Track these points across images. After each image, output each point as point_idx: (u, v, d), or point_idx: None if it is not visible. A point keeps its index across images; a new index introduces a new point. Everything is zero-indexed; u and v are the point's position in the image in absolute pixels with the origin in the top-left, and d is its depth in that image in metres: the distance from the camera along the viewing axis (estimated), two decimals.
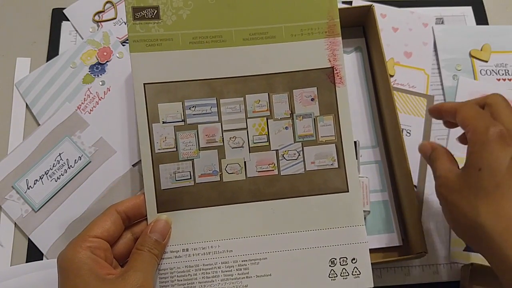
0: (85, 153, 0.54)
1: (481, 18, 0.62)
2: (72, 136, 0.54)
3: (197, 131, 0.41)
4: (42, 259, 0.50)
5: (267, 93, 0.41)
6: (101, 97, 0.57)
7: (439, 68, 0.59)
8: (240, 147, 0.41)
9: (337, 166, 0.41)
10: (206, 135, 0.41)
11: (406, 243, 0.50)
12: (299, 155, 0.41)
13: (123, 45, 0.59)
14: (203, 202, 0.40)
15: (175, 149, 0.40)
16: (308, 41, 0.42)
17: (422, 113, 0.56)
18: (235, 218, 0.40)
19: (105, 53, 0.58)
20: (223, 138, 0.41)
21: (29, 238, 0.51)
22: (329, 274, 0.40)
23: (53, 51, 0.59)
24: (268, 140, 0.41)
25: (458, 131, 0.42)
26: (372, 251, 0.43)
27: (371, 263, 0.41)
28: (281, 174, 0.41)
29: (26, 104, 0.57)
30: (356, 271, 0.40)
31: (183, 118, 0.41)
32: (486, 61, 0.59)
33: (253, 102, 0.41)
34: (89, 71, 0.58)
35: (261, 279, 0.39)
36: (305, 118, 0.41)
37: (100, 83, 0.57)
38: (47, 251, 0.50)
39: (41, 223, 0.51)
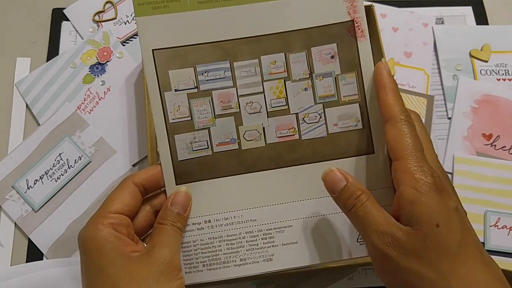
0: (85, 153, 0.54)
1: (481, 18, 0.62)
2: (72, 136, 0.54)
3: (212, 98, 0.39)
4: (42, 259, 0.50)
5: (283, 53, 0.39)
6: (101, 97, 0.57)
7: (439, 68, 0.59)
8: (257, 112, 0.39)
9: (361, 127, 0.39)
10: (221, 102, 0.39)
11: None
12: (320, 117, 0.39)
13: (123, 45, 0.59)
14: (222, 171, 0.39)
15: (189, 118, 0.38)
16: None
17: (422, 113, 0.56)
18: (256, 187, 0.39)
19: (105, 53, 0.58)
20: (239, 104, 0.39)
21: (29, 238, 0.51)
22: (358, 238, 0.38)
23: (53, 51, 0.59)
24: (287, 103, 0.39)
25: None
26: None
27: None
28: (302, 138, 0.39)
29: (26, 104, 0.57)
30: None
31: (196, 85, 0.38)
32: (486, 61, 0.59)
33: (269, 63, 0.39)
34: (89, 71, 0.58)
35: (287, 247, 0.38)
36: (325, 78, 0.39)
37: (100, 83, 0.57)
38: (47, 251, 0.50)
39: (41, 223, 0.51)
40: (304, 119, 0.39)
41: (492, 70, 0.59)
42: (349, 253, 0.39)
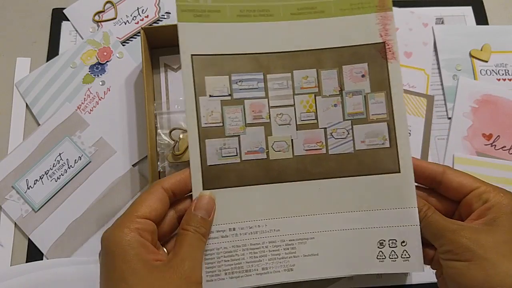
0: (85, 153, 0.54)
1: (481, 18, 0.62)
2: (72, 136, 0.54)
3: (244, 107, 0.40)
4: (42, 259, 0.50)
5: (315, 69, 0.40)
6: (101, 97, 0.57)
7: (439, 68, 0.59)
8: (287, 124, 0.40)
9: (388, 146, 0.40)
10: (253, 111, 0.40)
11: None
12: (348, 133, 0.40)
13: (123, 45, 0.59)
14: (249, 180, 0.39)
15: (221, 124, 0.39)
16: (358, 16, 0.40)
17: (422, 113, 0.56)
18: (281, 197, 0.39)
19: (105, 53, 0.58)
20: (270, 115, 0.40)
21: (29, 238, 0.51)
22: (377, 255, 0.39)
23: (53, 51, 0.59)
24: (316, 118, 0.40)
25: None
26: None
27: None
28: (329, 153, 0.40)
29: (26, 104, 0.57)
30: (405, 254, 0.39)
31: (229, 93, 0.40)
32: (486, 61, 0.59)
33: (301, 78, 0.40)
34: (89, 71, 0.58)
35: (308, 259, 0.39)
36: (355, 95, 0.40)
37: (100, 83, 0.57)
38: (47, 251, 0.50)
39: (41, 223, 0.51)
40: (332, 134, 0.40)
41: (492, 70, 0.59)
42: (368, 269, 0.39)
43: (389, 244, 0.39)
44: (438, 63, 0.59)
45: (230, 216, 0.39)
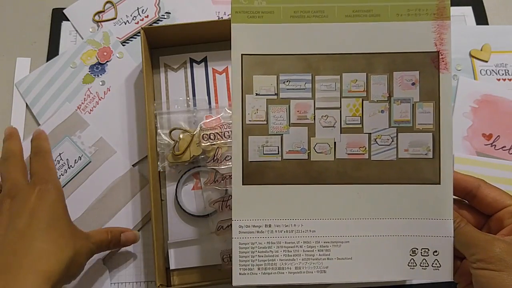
0: (85, 153, 0.54)
1: (481, 18, 0.62)
2: (72, 136, 0.54)
3: (289, 106, 0.40)
4: None
5: (365, 73, 0.40)
6: (101, 97, 0.57)
7: None
8: (331, 126, 0.40)
9: (431, 157, 0.40)
10: (298, 111, 0.40)
11: None
12: (392, 141, 0.40)
13: (123, 45, 0.59)
14: (288, 179, 0.40)
15: (265, 122, 0.40)
16: (414, 22, 0.40)
17: None
18: (319, 199, 0.40)
19: (105, 53, 0.58)
20: (314, 116, 0.40)
21: None
22: (409, 262, 0.39)
23: (53, 51, 0.59)
24: (362, 122, 0.40)
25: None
26: None
27: None
28: (372, 158, 0.40)
29: (26, 104, 0.57)
30: (436, 263, 0.39)
31: (276, 92, 0.40)
32: (486, 61, 0.59)
33: (350, 81, 0.40)
34: (89, 71, 0.58)
35: (341, 262, 0.39)
36: (403, 103, 0.40)
37: (100, 83, 0.57)
38: None
39: None
40: (376, 140, 0.40)
41: (492, 70, 0.59)
42: (399, 275, 0.40)
43: (421, 252, 0.39)
44: None
45: (266, 213, 0.40)
